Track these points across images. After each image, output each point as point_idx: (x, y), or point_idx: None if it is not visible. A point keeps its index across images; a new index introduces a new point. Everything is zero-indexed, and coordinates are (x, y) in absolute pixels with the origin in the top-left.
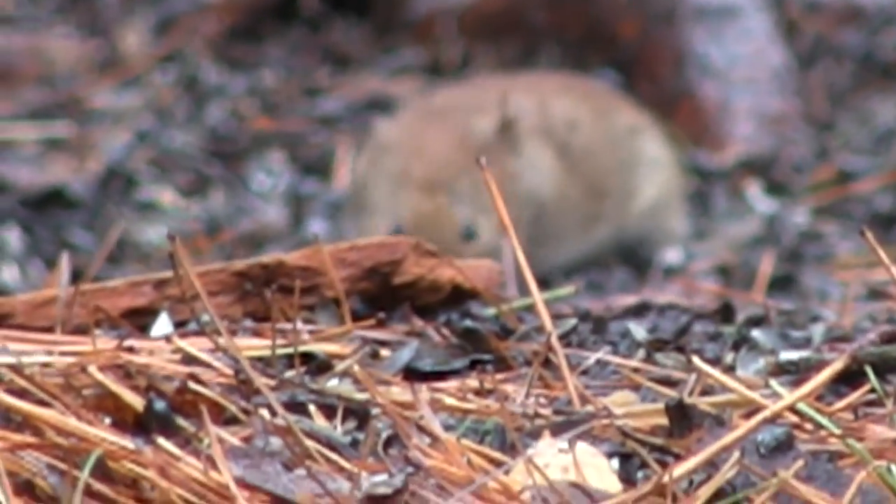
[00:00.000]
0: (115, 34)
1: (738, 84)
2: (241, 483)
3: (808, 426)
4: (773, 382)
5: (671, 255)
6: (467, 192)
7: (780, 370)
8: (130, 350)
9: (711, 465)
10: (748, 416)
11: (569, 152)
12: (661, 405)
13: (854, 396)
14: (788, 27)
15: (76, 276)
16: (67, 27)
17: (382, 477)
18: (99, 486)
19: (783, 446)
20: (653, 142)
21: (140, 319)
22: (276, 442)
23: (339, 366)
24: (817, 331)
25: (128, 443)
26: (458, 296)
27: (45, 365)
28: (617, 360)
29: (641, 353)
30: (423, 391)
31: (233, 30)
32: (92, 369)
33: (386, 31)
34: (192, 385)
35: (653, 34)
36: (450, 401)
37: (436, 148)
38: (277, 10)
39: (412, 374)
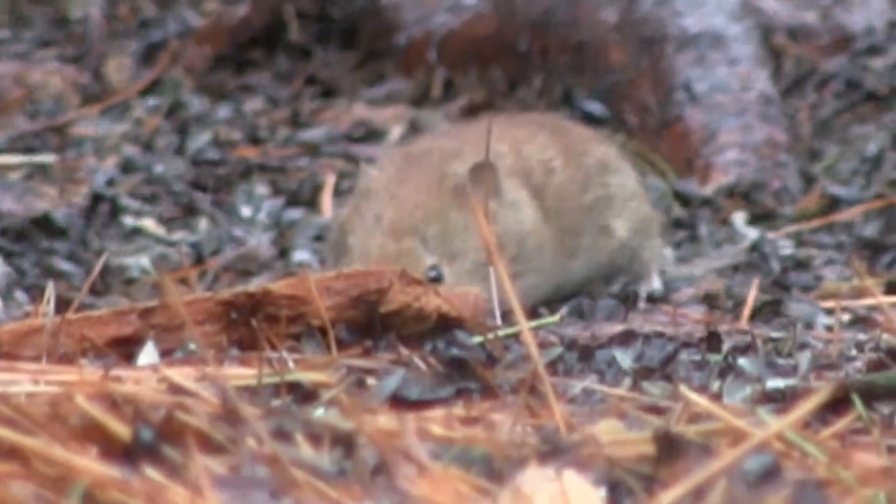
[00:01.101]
0: (99, 63)
1: (724, 111)
2: None
3: (796, 454)
4: (760, 410)
5: (654, 285)
6: (435, 237)
7: (767, 398)
8: (117, 379)
9: (699, 494)
10: (735, 444)
11: (544, 193)
12: (648, 433)
13: (841, 424)
14: (774, 53)
15: (61, 305)
16: (52, 55)
17: None
18: None
19: (770, 474)
20: (624, 177)
21: (126, 348)
22: (262, 471)
23: (326, 395)
24: (804, 359)
25: (115, 472)
26: (445, 324)
27: (32, 394)
28: (603, 388)
29: (628, 381)
30: (410, 420)
31: (217, 58)
32: (79, 399)
33: (371, 59)
34: (179, 414)
35: (639, 61)
36: (436, 429)
37: (408, 193)
38: (262, 39)
39: (399, 403)
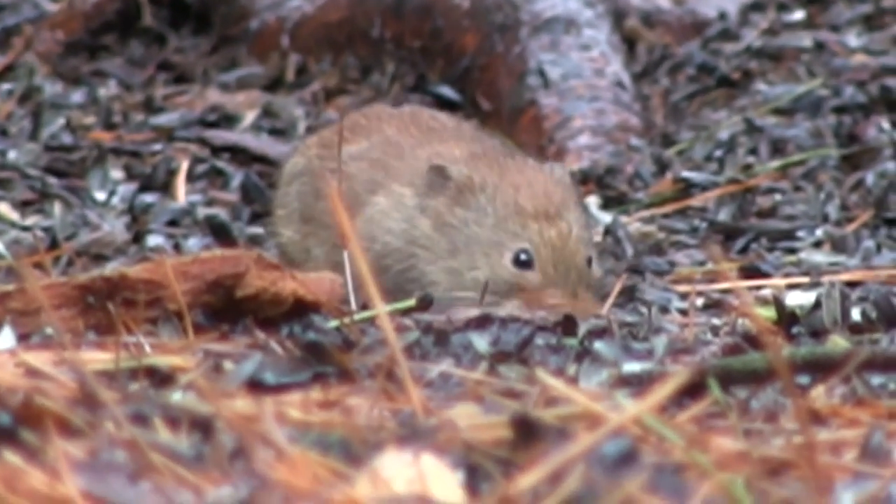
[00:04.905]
0: None
1: (577, 96)
2: (87, 495)
3: (653, 438)
4: (617, 394)
5: None
6: (576, 223)
7: (623, 382)
8: None
9: (556, 477)
10: (592, 428)
11: None
12: (505, 417)
13: (697, 408)
14: (627, 39)
15: None
16: None
17: (227, 489)
18: None
19: (628, 458)
20: None
21: None
22: (121, 455)
23: (183, 379)
24: (659, 343)
25: None
26: (301, 308)
27: None
28: (460, 372)
29: (484, 365)
30: (268, 404)
31: (70, 43)
32: None
33: (224, 45)
34: (37, 398)
35: (493, 46)
36: (294, 413)
37: (539, 184)
38: (115, 25)
39: (256, 387)
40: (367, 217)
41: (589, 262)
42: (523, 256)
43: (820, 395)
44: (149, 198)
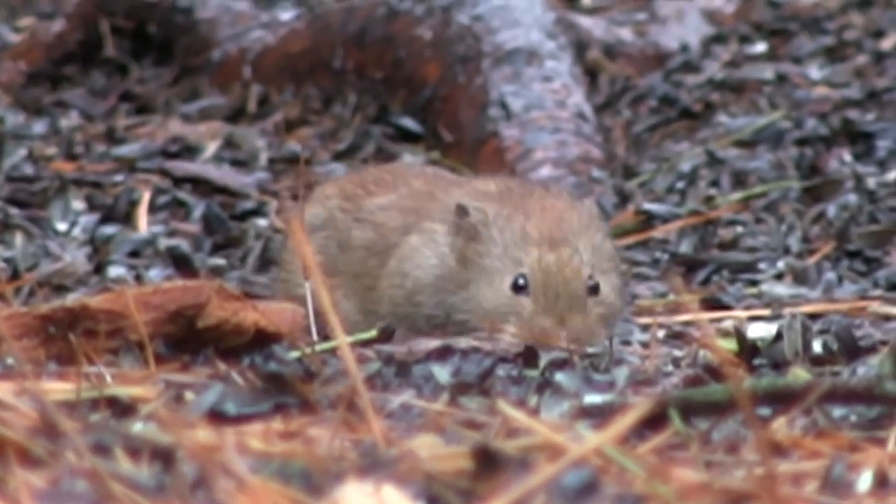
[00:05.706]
0: None
1: (539, 128)
2: None
3: (614, 469)
4: (578, 425)
5: None
6: (586, 250)
7: (585, 413)
8: None
9: None
10: (553, 458)
11: None
12: (466, 448)
13: (659, 439)
14: (589, 70)
15: None
16: None
17: None
18: None
19: (589, 489)
20: None
21: None
22: (82, 484)
23: (145, 409)
24: (621, 374)
25: None
26: (262, 339)
27: None
28: (421, 403)
29: (445, 396)
30: (229, 434)
31: (32, 74)
32: None
33: (186, 75)
34: None
35: (454, 77)
36: (255, 444)
37: (549, 212)
38: (77, 55)
39: (217, 418)
40: (399, 255)
41: (595, 290)
42: (521, 281)
43: (781, 426)
44: (110, 228)
